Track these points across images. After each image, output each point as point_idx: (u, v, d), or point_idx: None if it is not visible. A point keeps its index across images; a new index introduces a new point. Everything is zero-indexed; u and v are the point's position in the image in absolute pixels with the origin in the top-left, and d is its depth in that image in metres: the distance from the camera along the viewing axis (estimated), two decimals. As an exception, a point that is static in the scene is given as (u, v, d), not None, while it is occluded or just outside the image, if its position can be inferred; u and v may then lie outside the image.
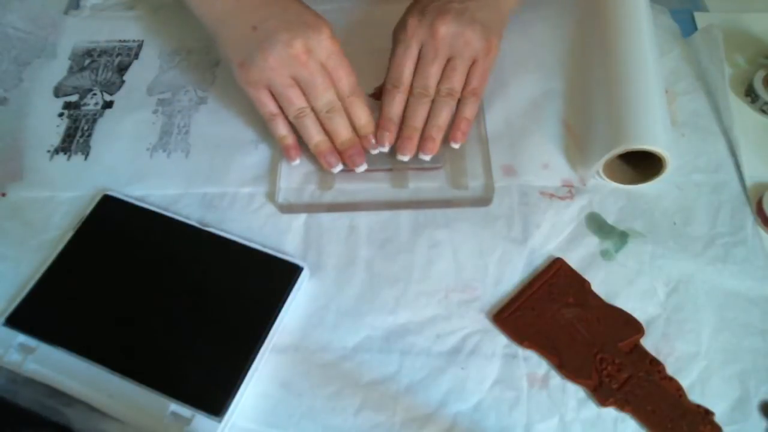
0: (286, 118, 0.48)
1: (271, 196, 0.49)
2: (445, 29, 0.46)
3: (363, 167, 0.48)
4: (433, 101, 0.48)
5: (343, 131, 0.47)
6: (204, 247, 0.46)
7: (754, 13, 0.60)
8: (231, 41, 0.46)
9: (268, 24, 0.45)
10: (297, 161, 0.49)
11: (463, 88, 0.48)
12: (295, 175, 0.50)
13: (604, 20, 0.54)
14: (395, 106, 0.48)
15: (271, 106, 0.47)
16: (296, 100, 0.46)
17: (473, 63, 0.48)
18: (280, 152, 0.50)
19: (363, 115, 0.48)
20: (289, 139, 0.49)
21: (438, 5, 0.47)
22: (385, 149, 0.49)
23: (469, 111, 0.49)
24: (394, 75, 0.48)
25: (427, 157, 0.48)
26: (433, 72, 0.47)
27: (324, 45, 0.45)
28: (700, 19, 0.60)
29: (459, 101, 0.49)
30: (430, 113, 0.48)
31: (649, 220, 0.47)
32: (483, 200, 0.48)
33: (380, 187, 0.49)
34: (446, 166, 0.49)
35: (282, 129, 0.48)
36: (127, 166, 0.51)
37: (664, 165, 0.46)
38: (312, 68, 0.45)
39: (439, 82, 0.48)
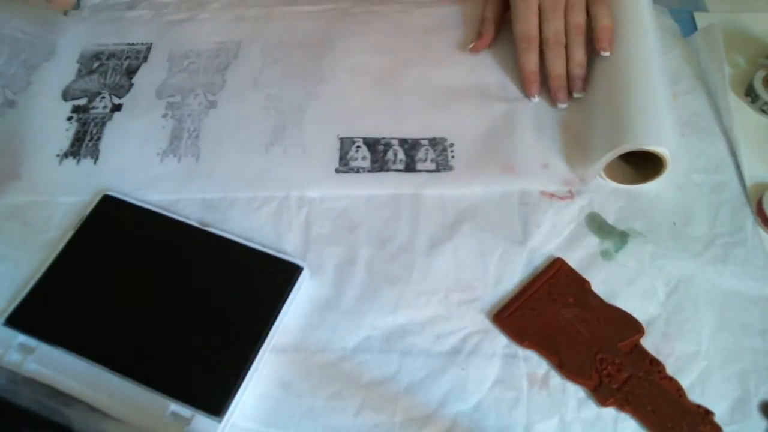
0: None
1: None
2: None
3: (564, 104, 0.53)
4: (567, 45, 0.52)
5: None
6: (204, 247, 0.46)
7: (754, 13, 0.61)
8: None
9: None
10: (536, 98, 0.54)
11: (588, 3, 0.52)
12: None
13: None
14: (532, 60, 0.53)
15: (534, 26, 0.53)
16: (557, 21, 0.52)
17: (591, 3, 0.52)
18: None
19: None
20: (537, 76, 0.54)
21: None
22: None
23: (604, 18, 0.51)
24: (522, 32, 0.52)
25: (580, 94, 0.52)
26: (558, 19, 0.51)
27: None
28: (700, 19, 0.60)
29: (588, 15, 0.52)
30: (568, 54, 0.52)
31: (649, 220, 0.47)
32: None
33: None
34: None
35: (534, 61, 0.53)
36: (137, 170, 0.51)
37: (664, 165, 0.46)
38: None
39: (566, 24, 0.52)
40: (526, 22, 0.52)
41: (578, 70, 0.52)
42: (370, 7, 0.62)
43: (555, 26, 0.51)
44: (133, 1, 0.63)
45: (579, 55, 0.52)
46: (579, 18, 0.52)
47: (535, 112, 0.53)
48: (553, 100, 0.53)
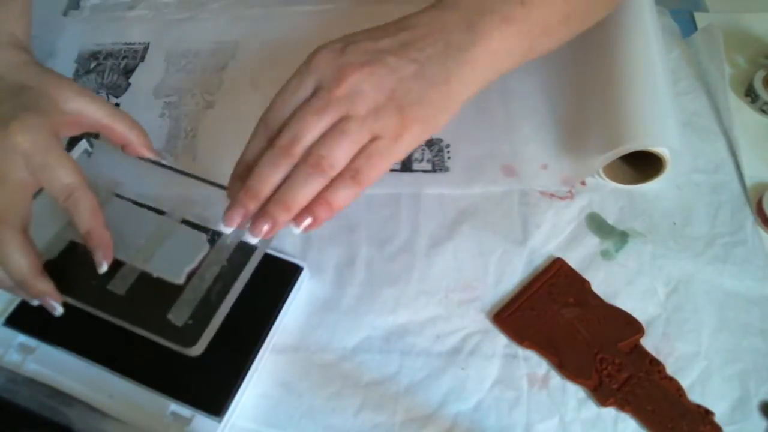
0: None
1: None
2: (353, 82, 0.34)
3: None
4: (295, 166, 0.34)
5: None
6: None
7: (754, 13, 0.60)
8: None
9: None
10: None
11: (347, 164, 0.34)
12: None
13: (607, 18, 0.53)
14: (250, 150, 0.36)
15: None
16: None
17: (373, 138, 0.34)
18: None
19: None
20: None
21: (371, 47, 0.35)
22: None
23: (334, 194, 0.34)
24: (268, 111, 0.36)
25: (253, 240, 0.35)
26: (310, 127, 0.34)
27: None
28: (700, 19, 0.60)
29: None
30: (285, 181, 0.34)
31: (649, 220, 0.47)
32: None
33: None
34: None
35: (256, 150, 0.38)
36: (133, 169, 0.51)
37: (664, 165, 0.46)
38: None
39: (314, 144, 0.34)
40: (280, 102, 0.36)
41: (274, 209, 0.34)
42: (370, 7, 0.62)
43: (298, 131, 0.34)
44: (133, 1, 0.63)
45: (293, 194, 0.34)
46: (336, 152, 0.34)
47: (535, 112, 0.53)
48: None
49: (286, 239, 0.47)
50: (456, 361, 0.42)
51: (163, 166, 0.44)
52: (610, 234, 0.47)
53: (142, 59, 0.59)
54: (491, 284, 0.45)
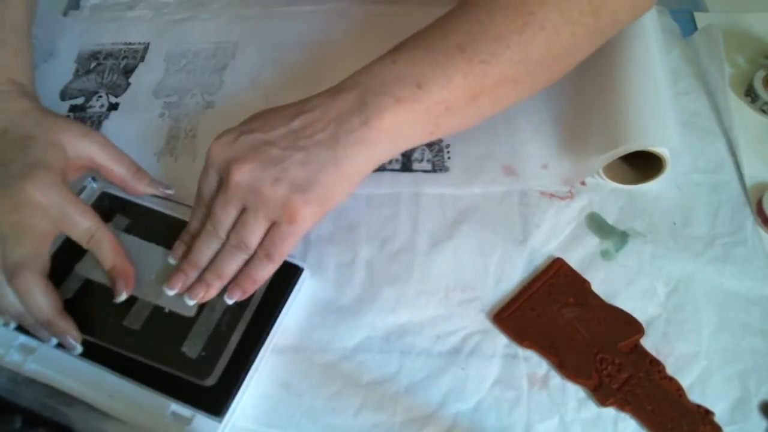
0: None
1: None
2: (240, 178, 0.37)
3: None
4: (223, 244, 0.40)
5: None
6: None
7: (754, 13, 0.60)
8: None
9: None
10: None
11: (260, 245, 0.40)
12: None
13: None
14: (193, 224, 0.42)
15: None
16: None
17: (273, 224, 0.39)
18: None
19: None
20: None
21: (260, 139, 0.38)
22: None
23: (255, 271, 0.40)
24: (197, 194, 0.41)
25: (190, 303, 0.41)
26: (222, 217, 0.39)
27: None
28: (700, 19, 0.60)
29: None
30: (217, 255, 0.41)
31: (649, 220, 0.47)
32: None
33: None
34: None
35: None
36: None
37: (664, 165, 0.46)
38: None
39: (231, 230, 0.40)
40: (200, 186, 0.41)
41: (210, 278, 0.41)
42: (370, 7, 0.62)
43: (214, 219, 0.39)
44: (133, 1, 0.63)
45: (223, 267, 0.40)
46: (248, 237, 0.39)
47: (535, 112, 0.53)
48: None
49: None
50: (456, 361, 0.42)
51: (165, 198, 0.47)
52: (610, 234, 0.47)
53: (142, 59, 0.59)
54: (491, 284, 0.45)
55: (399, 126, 0.38)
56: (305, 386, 0.41)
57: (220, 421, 0.38)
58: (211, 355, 0.40)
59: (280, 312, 0.42)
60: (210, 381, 0.40)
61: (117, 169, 0.44)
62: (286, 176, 0.37)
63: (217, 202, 0.39)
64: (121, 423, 0.39)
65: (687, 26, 0.59)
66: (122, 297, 0.42)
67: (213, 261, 0.41)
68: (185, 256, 0.42)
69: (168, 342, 0.41)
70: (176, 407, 0.39)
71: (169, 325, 0.42)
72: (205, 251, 0.41)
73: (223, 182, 0.39)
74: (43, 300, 0.39)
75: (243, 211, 0.39)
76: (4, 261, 0.39)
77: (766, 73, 0.54)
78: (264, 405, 0.40)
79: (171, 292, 0.41)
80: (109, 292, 0.42)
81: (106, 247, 0.42)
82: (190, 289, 0.41)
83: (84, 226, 0.41)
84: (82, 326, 0.41)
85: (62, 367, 0.40)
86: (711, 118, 0.53)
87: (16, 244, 0.39)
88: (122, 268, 0.42)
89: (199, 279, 0.41)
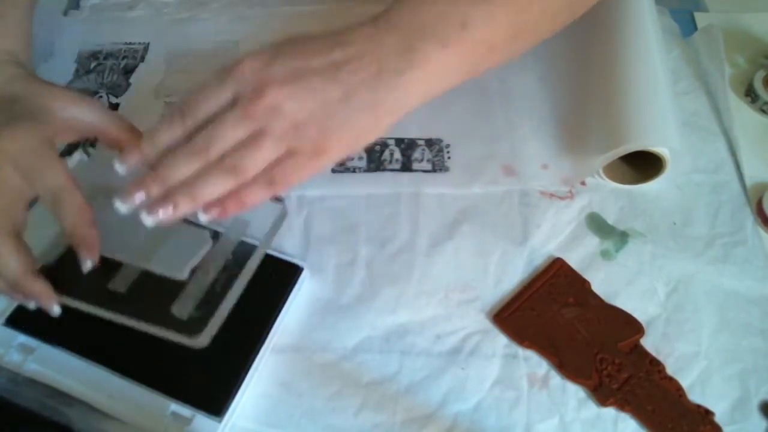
0: None
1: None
2: (275, 100, 0.34)
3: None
4: (209, 165, 0.35)
5: None
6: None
7: (754, 13, 0.61)
8: None
9: None
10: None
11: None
12: None
13: (607, 17, 0.54)
14: (164, 136, 0.36)
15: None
16: None
17: (290, 151, 0.34)
18: None
19: None
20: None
21: (299, 65, 0.35)
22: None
23: (247, 192, 0.35)
24: (186, 103, 0.36)
25: (149, 220, 0.34)
26: (227, 135, 0.34)
27: None
28: (700, 19, 0.60)
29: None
30: (196, 175, 0.34)
31: (649, 220, 0.47)
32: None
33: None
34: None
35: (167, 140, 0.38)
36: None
37: (664, 165, 0.46)
38: None
39: (229, 151, 0.34)
40: (198, 100, 0.36)
41: (181, 197, 0.34)
42: (371, 7, 0.61)
43: (211, 137, 0.34)
44: (133, 1, 0.63)
45: (200, 188, 0.34)
46: (248, 160, 0.34)
47: (535, 112, 0.53)
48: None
49: (287, 240, 0.47)
50: (456, 361, 0.42)
51: None
52: (610, 234, 0.47)
53: (142, 59, 0.59)
54: (491, 284, 0.45)
55: (441, 71, 0.36)
56: (305, 386, 0.41)
57: (220, 421, 0.38)
58: (203, 315, 0.37)
59: (279, 311, 0.42)
60: (201, 342, 0.36)
61: (112, 130, 0.40)
62: (324, 110, 0.34)
63: (226, 119, 0.34)
64: (121, 423, 0.39)
65: (687, 26, 0.59)
66: (87, 266, 0.37)
67: (189, 180, 0.34)
68: (154, 167, 0.35)
69: (156, 304, 0.38)
70: (176, 407, 0.39)
71: (158, 289, 0.39)
72: (181, 168, 0.34)
73: (243, 100, 0.34)
74: (10, 260, 0.36)
75: (254, 134, 0.34)
76: None
77: (766, 73, 0.54)
78: (264, 405, 0.40)
79: (123, 207, 0.35)
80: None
81: (67, 207, 0.37)
82: (151, 206, 0.34)
83: (50, 183, 0.36)
84: (66, 291, 0.38)
85: (62, 367, 0.40)
86: (711, 118, 0.53)
87: None
88: (82, 232, 0.37)
89: (165, 197, 0.34)
